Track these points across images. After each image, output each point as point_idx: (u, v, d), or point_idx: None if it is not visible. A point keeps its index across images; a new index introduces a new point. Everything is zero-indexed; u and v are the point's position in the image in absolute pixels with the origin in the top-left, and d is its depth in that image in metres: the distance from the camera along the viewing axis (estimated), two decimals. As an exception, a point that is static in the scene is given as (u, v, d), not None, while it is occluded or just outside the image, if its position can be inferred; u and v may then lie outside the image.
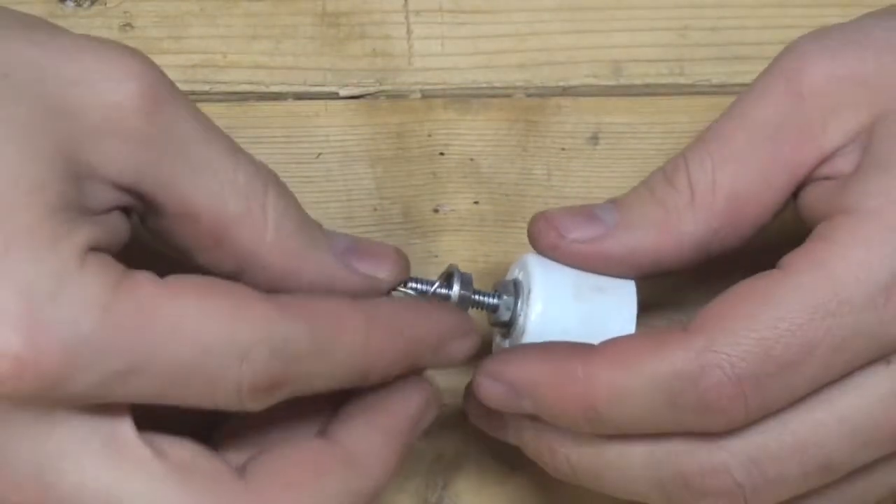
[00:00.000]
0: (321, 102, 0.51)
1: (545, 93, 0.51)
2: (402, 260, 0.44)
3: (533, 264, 0.45)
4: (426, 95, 0.51)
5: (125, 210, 0.41)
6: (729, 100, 0.50)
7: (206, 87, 0.51)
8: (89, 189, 0.39)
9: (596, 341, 0.43)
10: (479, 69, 0.51)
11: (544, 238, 0.44)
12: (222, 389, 0.39)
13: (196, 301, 0.38)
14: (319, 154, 0.51)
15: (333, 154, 0.51)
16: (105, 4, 0.51)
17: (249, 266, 0.42)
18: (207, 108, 0.50)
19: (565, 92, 0.51)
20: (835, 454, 0.42)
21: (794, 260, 0.41)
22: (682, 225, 0.43)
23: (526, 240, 0.48)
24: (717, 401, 0.41)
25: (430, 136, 0.51)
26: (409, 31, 0.51)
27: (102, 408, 0.39)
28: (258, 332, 0.39)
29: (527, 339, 0.44)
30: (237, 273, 0.42)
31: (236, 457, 0.41)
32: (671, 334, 0.41)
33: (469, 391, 0.46)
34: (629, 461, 0.42)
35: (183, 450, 0.40)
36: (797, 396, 0.41)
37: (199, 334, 0.38)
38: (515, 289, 0.45)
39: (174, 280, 0.39)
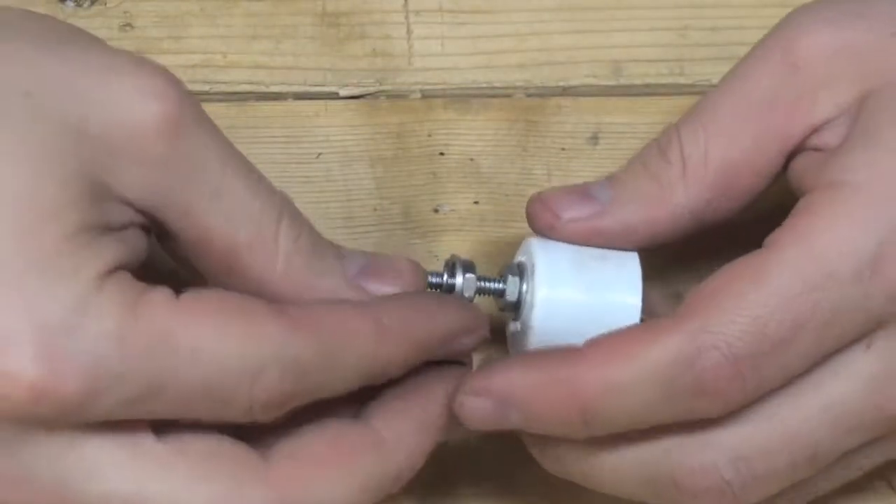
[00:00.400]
0: (321, 102, 0.51)
1: (545, 93, 0.51)
2: (417, 275, 0.44)
3: (534, 245, 0.45)
4: (426, 95, 0.51)
5: (143, 227, 0.41)
6: (729, 100, 0.50)
7: (206, 87, 0.51)
8: (108, 208, 0.39)
9: (604, 309, 0.43)
10: (479, 69, 0.51)
11: (540, 219, 0.45)
12: (233, 407, 0.39)
13: (210, 320, 0.39)
14: (319, 154, 0.51)
15: (333, 154, 0.51)
16: (105, 4, 0.51)
17: (261, 294, 0.42)
18: (207, 108, 0.50)
19: (565, 92, 0.51)
20: (820, 444, 0.42)
21: (779, 236, 0.41)
22: (674, 197, 0.44)
23: (526, 239, 0.48)
24: (715, 382, 0.40)
25: (430, 136, 0.51)
26: (409, 31, 0.51)
27: (122, 421, 0.39)
28: (270, 352, 0.39)
29: (536, 316, 0.44)
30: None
31: (266, 439, 0.41)
32: (661, 322, 0.41)
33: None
34: (620, 462, 0.42)
35: (202, 441, 0.40)
36: (791, 375, 0.41)
37: (213, 356, 0.38)
38: (520, 270, 0.45)
39: (190, 299, 0.39)
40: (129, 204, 0.40)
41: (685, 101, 0.51)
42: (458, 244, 0.51)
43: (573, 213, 0.44)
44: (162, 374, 0.38)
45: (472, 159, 0.51)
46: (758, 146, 0.43)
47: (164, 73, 0.40)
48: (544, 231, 0.45)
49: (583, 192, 0.45)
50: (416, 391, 0.43)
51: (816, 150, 0.43)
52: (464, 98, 0.51)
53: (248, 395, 0.39)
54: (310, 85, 0.51)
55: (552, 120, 0.51)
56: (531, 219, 0.45)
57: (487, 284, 0.45)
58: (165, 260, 0.43)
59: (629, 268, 0.45)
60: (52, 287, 0.37)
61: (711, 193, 0.44)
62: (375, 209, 0.50)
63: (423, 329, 0.42)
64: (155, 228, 0.41)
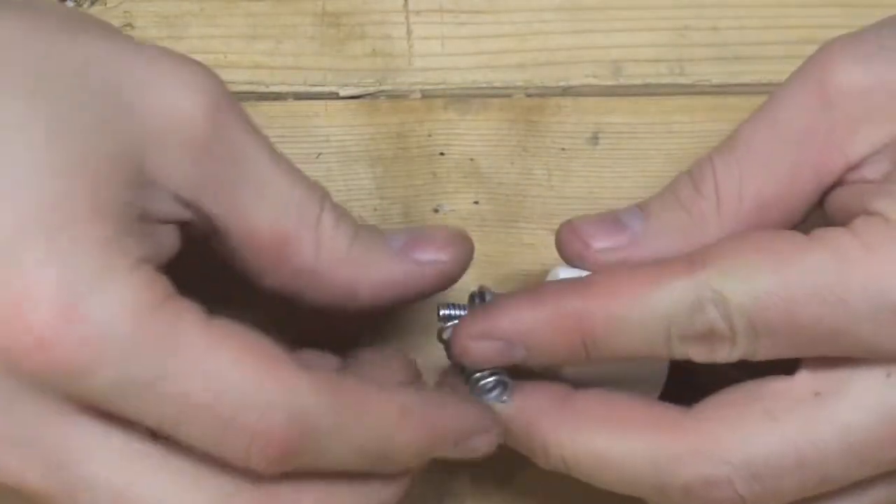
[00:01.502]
0: (321, 102, 0.51)
1: (545, 93, 0.51)
2: (463, 240, 0.45)
3: (562, 275, 0.44)
4: (426, 95, 0.51)
5: (182, 225, 0.41)
6: (729, 100, 0.50)
7: (206, 87, 0.51)
8: (151, 195, 0.40)
9: None
10: (480, 69, 0.51)
11: (570, 247, 0.44)
12: (233, 438, 0.38)
13: (229, 350, 0.38)
14: (319, 154, 0.51)
15: (333, 154, 0.51)
16: (105, 4, 0.51)
17: (311, 283, 0.43)
18: (208, 109, 0.50)
19: (565, 92, 0.51)
20: (831, 470, 0.42)
21: (824, 235, 0.41)
22: (708, 231, 0.43)
23: (526, 239, 0.48)
24: (709, 335, 0.41)
25: (430, 136, 0.51)
26: (409, 31, 0.51)
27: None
28: (279, 396, 0.38)
29: None
30: (300, 292, 0.43)
31: None
32: (672, 264, 0.42)
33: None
34: (632, 465, 0.43)
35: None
36: (778, 355, 0.42)
37: (226, 381, 0.38)
38: None
39: (218, 323, 0.38)
40: (173, 195, 0.40)
41: (685, 101, 0.51)
42: (459, 244, 0.50)
43: (604, 243, 0.44)
44: (159, 373, 0.37)
45: (472, 159, 0.51)
46: (793, 181, 0.43)
47: (207, 69, 0.41)
48: (573, 259, 0.44)
49: (614, 220, 0.44)
50: None
51: (854, 183, 0.43)
52: (464, 98, 0.51)
53: (250, 428, 0.38)
54: (310, 85, 0.51)
55: (552, 120, 0.51)
56: (560, 246, 0.45)
57: None
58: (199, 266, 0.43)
59: None
60: (84, 247, 0.37)
61: (745, 228, 0.43)
62: (375, 209, 0.51)
63: (443, 424, 0.42)
64: (200, 226, 0.41)
